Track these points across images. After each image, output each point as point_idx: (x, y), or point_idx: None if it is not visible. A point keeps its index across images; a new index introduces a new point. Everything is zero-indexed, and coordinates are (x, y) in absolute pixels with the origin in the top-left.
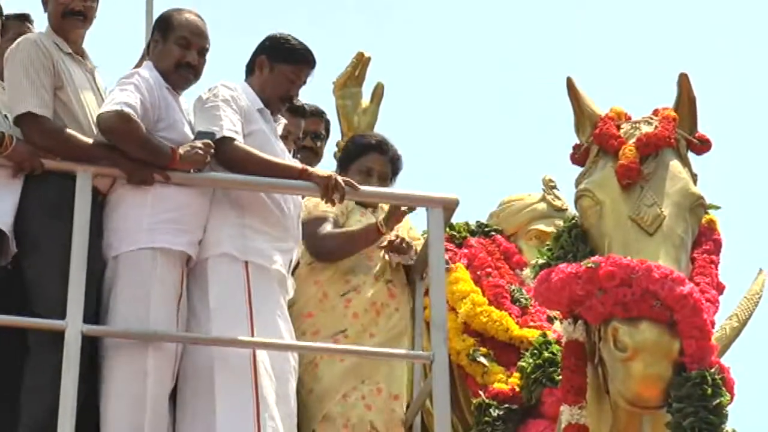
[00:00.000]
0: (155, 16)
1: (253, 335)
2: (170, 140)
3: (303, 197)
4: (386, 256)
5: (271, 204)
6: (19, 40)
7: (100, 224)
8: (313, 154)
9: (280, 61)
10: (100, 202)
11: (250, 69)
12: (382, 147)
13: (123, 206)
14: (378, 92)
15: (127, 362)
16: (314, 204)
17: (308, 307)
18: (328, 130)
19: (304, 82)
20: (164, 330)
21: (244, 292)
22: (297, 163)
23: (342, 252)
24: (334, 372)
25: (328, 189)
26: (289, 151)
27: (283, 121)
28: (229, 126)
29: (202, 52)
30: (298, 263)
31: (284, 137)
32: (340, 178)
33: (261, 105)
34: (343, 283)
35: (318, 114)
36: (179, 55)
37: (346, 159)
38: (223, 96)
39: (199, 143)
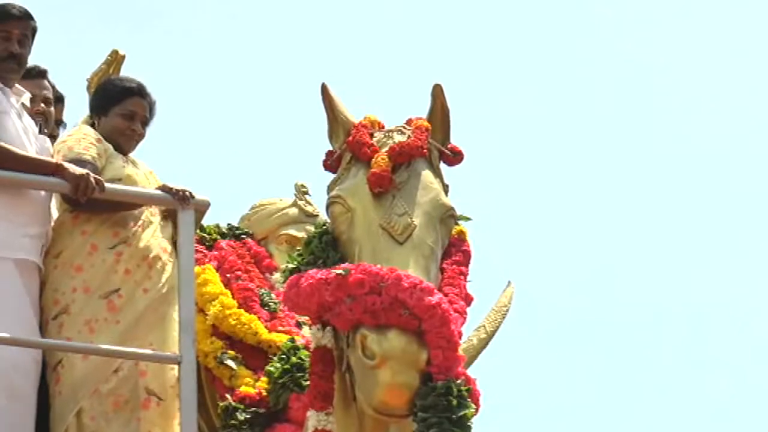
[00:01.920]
0: None
1: None
2: None
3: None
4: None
5: (16, 191)
6: None
7: None
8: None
9: None
10: None
11: None
12: (143, 91)
13: None
14: (118, 60)
15: None
16: (68, 146)
17: (76, 259)
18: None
19: (25, 35)
20: None
21: None
22: (50, 159)
23: (110, 208)
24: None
25: (79, 188)
26: (36, 115)
27: (25, 93)
28: None
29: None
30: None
31: (31, 101)
32: (93, 178)
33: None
34: (111, 235)
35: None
36: None
37: (105, 103)
38: None
39: None
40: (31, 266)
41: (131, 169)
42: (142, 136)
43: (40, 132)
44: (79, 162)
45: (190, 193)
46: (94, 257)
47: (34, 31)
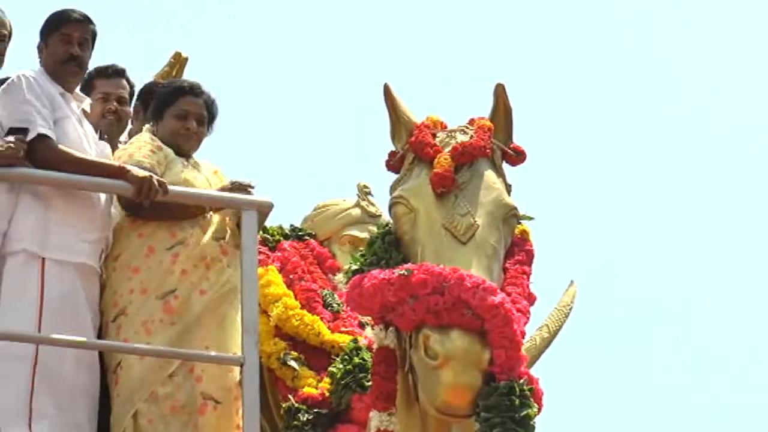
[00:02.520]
0: None
1: (39, 333)
2: None
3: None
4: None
5: (79, 196)
6: None
7: None
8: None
9: (48, 35)
10: None
11: (40, 63)
12: (195, 90)
13: None
14: (180, 62)
15: None
16: (129, 153)
17: (134, 261)
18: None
19: (86, 39)
20: None
21: (36, 289)
22: (113, 162)
23: (169, 215)
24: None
25: (142, 190)
26: (108, 113)
27: (86, 99)
28: (42, 122)
29: (0, 37)
30: None
31: (103, 99)
32: (156, 180)
33: (61, 89)
34: (169, 236)
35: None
36: None
37: (159, 105)
38: (28, 87)
39: (11, 138)
40: (90, 270)
41: (190, 173)
42: (200, 134)
43: (101, 138)
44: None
45: (249, 185)
46: (151, 259)
47: (94, 34)
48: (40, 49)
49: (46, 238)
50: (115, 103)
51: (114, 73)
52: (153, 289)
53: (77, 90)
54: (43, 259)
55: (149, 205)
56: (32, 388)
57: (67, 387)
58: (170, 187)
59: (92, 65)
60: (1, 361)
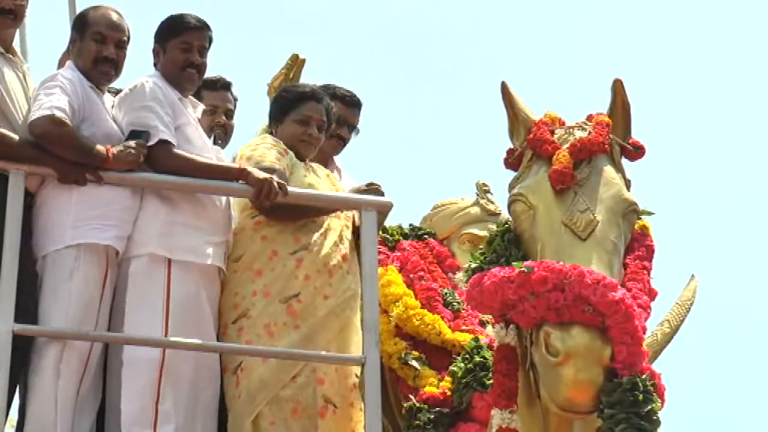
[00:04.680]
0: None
1: (166, 336)
2: (95, 138)
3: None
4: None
5: (202, 199)
6: None
7: (30, 224)
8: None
9: (166, 40)
10: (28, 202)
11: (155, 66)
12: (316, 95)
13: (49, 205)
14: (298, 64)
15: (46, 361)
16: (261, 154)
17: (256, 263)
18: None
19: (203, 47)
20: (88, 330)
21: (162, 292)
22: (234, 164)
23: (294, 214)
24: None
25: (262, 192)
26: (216, 127)
27: (200, 105)
28: (163, 128)
29: (121, 44)
30: None
31: (212, 112)
32: (276, 182)
33: (179, 94)
34: (293, 241)
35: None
36: (96, 50)
37: (281, 110)
38: (151, 92)
39: (132, 143)
40: (214, 272)
41: (312, 178)
42: (319, 140)
43: (214, 143)
44: (269, 171)
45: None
46: (275, 262)
47: (210, 40)
48: (156, 52)
49: (173, 241)
50: (223, 117)
51: (222, 86)
52: (276, 293)
53: (190, 96)
54: (170, 260)
55: (273, 207)
56: (158, 391)
57: (189, 390)
58: (291, 189)
59: None
60: (129, 365)
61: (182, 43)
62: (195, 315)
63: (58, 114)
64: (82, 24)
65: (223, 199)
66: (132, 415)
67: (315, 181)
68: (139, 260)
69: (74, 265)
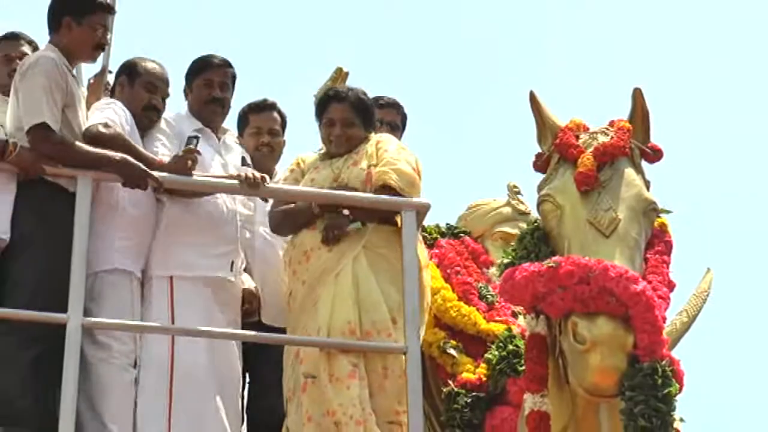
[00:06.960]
0: None
1: (173, 344)
2: None
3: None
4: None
5: (202, 217)
6: (39, 55)
7: None
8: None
9: (192, 80)
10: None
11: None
12: (338, 95)
13: (96, 225)
14: (342, 77)
15: (113, 358)
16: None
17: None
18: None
19: (224, 83)
20: (152, 324)
21: (167, 307)
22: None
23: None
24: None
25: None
26: (261, 146)
27: (229, 130)
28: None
29: (165, 98)
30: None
31: (257, 133)
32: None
33: (200, 125)
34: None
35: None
36: (147, 98)
37: (316, 114)
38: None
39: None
40: (220, 281)
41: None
42: (346, 135)
43: (243, 164)
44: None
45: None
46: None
47: (233, 77)
48: (186, 92)
49: (170, 260)
50: (267, 137)
51: (266, 107)
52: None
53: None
54: (171, 277)
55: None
56: (170, 395)
57: (202, 390)
58: (324, 191)
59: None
60: (145, 370)
61: (205, 80)
62: (202, 323)
63: (108, 121)
64: (132, 71)
65: (230, 213)
66: (147, 419)
67: (316, 175)
68: (147, 282)
69: (129, 289)
